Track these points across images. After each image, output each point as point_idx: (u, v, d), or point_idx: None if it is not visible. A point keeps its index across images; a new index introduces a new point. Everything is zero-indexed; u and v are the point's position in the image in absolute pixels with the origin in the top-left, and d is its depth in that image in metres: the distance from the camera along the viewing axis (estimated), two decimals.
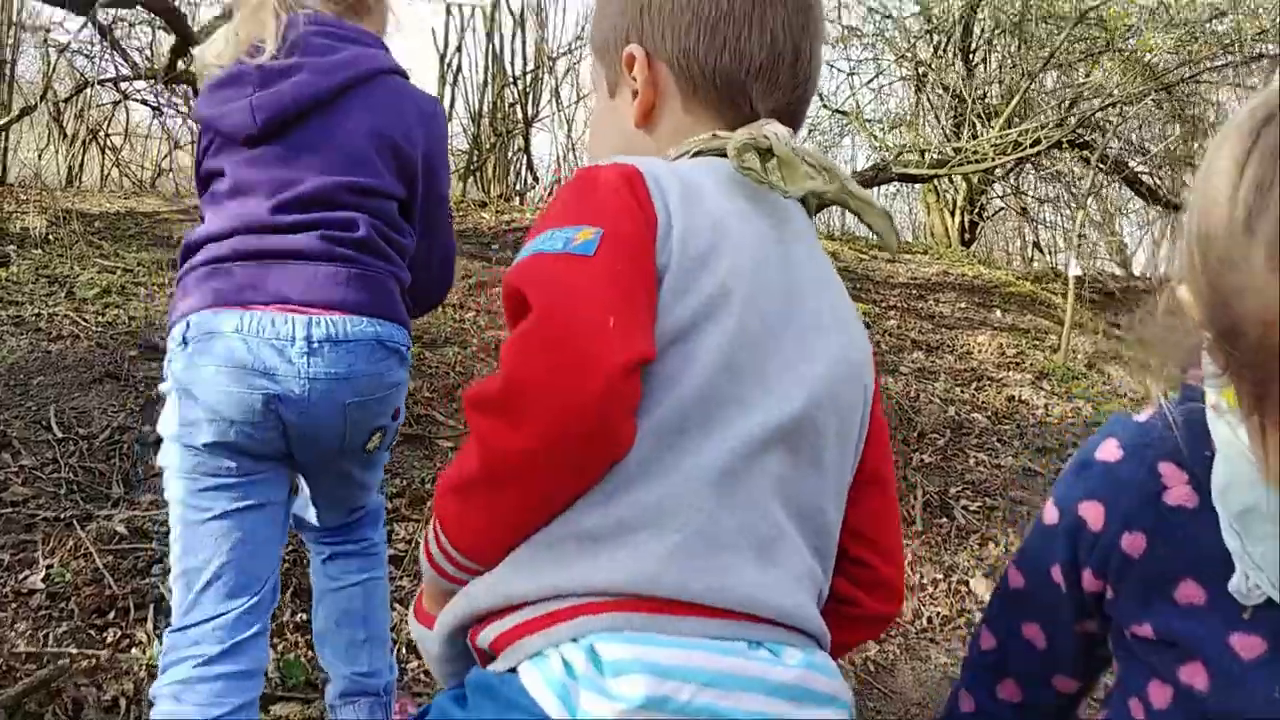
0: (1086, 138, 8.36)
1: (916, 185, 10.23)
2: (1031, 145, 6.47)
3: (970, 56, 9.28)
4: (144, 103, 7.43)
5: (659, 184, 0.84)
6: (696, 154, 0.93)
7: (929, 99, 9.73)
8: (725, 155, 0.89)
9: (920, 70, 9.34)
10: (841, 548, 0.93)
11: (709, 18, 0.94)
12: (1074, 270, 5.77)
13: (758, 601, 0.78)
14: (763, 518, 0.81)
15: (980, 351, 5.78)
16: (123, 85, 7.17)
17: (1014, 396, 5.05)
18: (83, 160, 7.20)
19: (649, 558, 0.76)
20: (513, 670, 0.77)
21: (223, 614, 1.50)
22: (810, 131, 10.46)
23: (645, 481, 0.77)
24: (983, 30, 9.26)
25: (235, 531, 1.51)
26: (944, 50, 9.29)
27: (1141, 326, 0.76)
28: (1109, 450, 0.86)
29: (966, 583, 3.09)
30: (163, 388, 1.57)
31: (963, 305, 6.87)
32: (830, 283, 0.95)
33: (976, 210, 10.39)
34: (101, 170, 7.43)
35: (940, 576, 3.11)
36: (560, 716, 0.72)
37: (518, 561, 0.79)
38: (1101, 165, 8.01)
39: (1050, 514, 0.90)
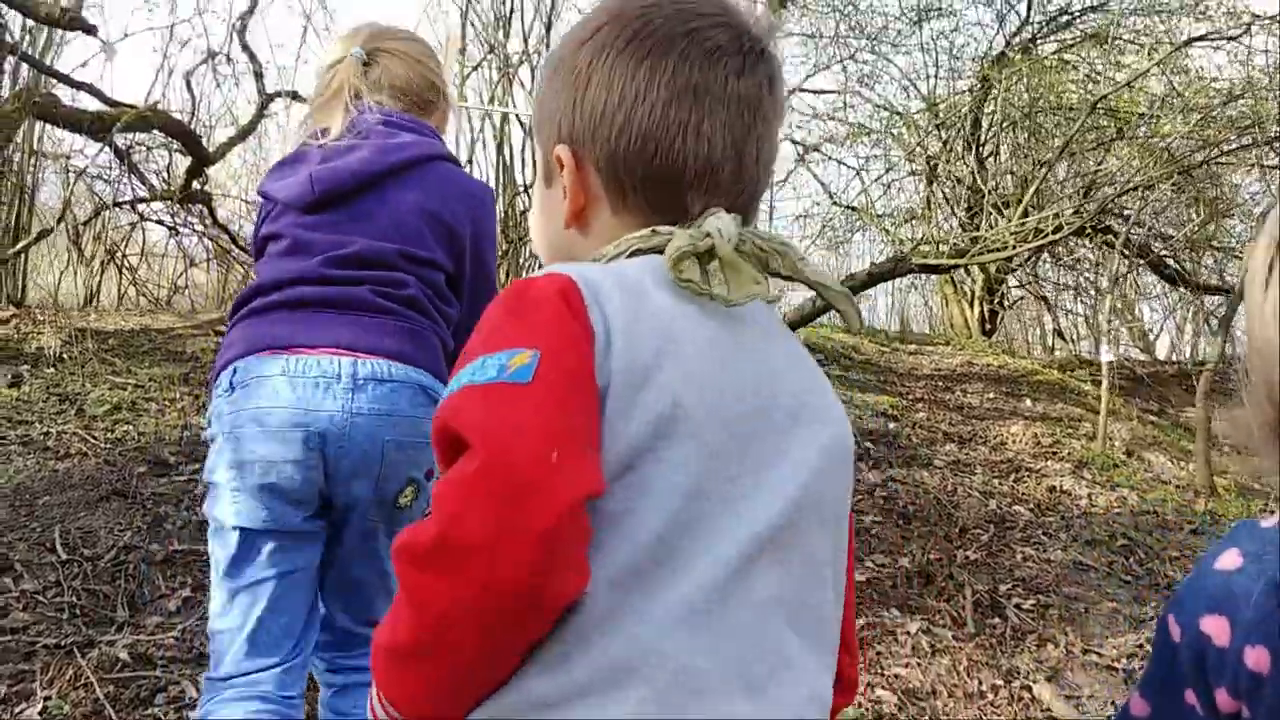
0: (1107, 223, 8.34)
1: (933, 277, 10.22)
2: (1054, 232, 6.42)
3: (980, 149, 9.35)
4: (160, 223, 7.51)
5: (596, 294, 0.76)
6: (634, 252, 0.84)
7: (942, 192, 9.79)
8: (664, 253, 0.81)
9: (931, 164, 9.41)
10: None
11: (639, 123, 0.84)
12: (1106, 356, 5.66)
13: None
14: (754, 650, 0.74)
15: (1015, 442, 5.62)
16: (140, 206, 7.24)
17: (1055, 487, 4.87)
18: (100, 281, 7.23)
19: None
20: None
21: (260, 670, 1.53)
22: (823, 229, 10.55)
23: (603, 635, 0.69)
24: (991, 123, 9.35)
25: (265, 598, 1.54)
26: (953, 144, 9.37)
27: (1240, 428, 0.71)
28: (1229, 559, 0.77)
29: (1029, 688, 2.87)
30: (206, 434, 1.59)
31: (991, 395, 6.74)
32: (803, 369, 0.88)
33: (996, 300, 10.35)
34: (119, 290, 7.47)
35: (1000, 682, 2.90)
36: None
37: None
38: (1125, 251, 7.96)
39: (1173, 631, 0.81)
